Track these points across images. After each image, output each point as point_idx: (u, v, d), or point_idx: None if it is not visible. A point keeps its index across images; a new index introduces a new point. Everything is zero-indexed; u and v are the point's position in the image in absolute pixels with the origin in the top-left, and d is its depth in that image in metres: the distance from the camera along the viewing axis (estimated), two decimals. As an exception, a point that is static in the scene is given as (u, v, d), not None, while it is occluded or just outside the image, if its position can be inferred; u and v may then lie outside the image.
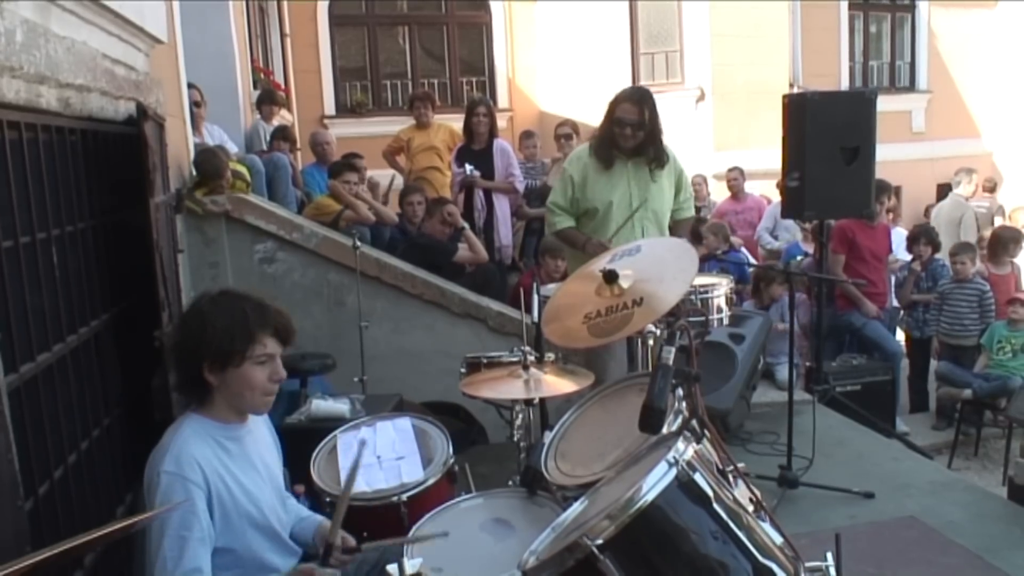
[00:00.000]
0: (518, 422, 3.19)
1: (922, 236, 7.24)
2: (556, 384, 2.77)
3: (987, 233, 8.08)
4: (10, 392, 2.16)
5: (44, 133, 2.62)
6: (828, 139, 5.19)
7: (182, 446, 2.05)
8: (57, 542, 2.34)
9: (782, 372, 5.93)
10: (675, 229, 4.46)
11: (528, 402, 3.00)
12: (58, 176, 2.72)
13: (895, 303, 7.19)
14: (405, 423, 3.01)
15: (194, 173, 4.97)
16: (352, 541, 2.21)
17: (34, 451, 2.34)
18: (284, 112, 8.63)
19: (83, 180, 2.96)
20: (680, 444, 1.66)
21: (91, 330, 2.91)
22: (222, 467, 2.10)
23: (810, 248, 7.23)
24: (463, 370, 3.55)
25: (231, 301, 2.16)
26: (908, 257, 7.35)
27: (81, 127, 2.97)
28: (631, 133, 4.14)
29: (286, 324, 2.21)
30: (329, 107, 11.96)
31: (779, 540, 1.78)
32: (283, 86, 9.93)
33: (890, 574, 3.50)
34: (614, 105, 4.21)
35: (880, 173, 5.57)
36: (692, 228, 5.00)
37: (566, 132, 7.11)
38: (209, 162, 4.93)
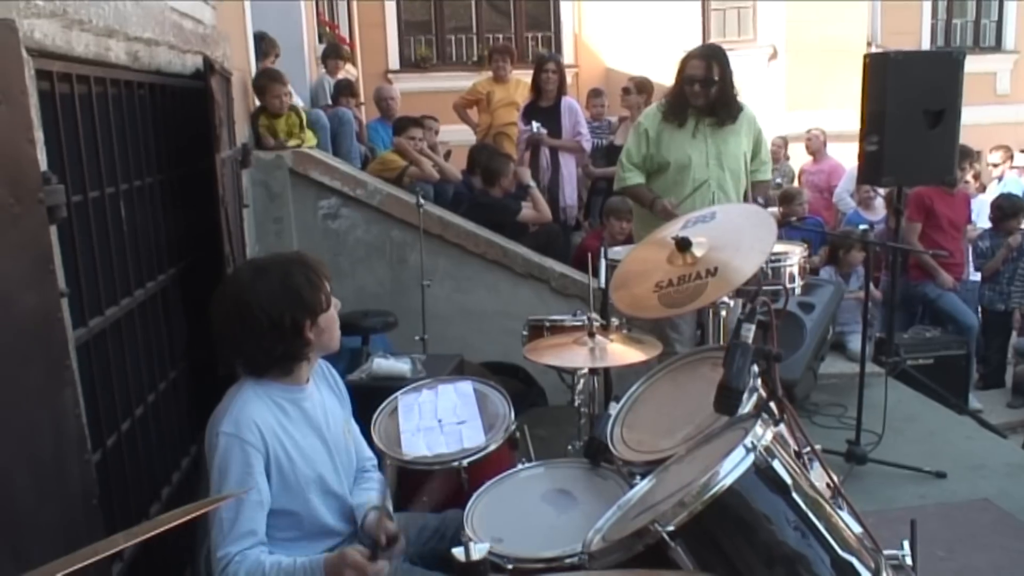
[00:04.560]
0: (579, 387, 3.13)
1: None
2: (623, 354, 2.69)
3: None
4: (79, 346, 2.17)
5: (113, 87, 2.60)
6: (910, 101, 4.95)
7: (241, 408, 2.05)
8: (125, 496, 2.39)
9: (853, 342, 5.75)
10: (753, 190, 4.36)
11: (593, 370, 2.94)
12: (126, 130, 2.71)
13: (972, 275, 6.88)
14: (467, 387, 2.96)
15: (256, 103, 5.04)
16: (393, 528, 2.09)
17: (102, 404, 2.37)
18: (348, 66, 8.57)
19: (151, 134, 2.96)
20: (758, 428, 1.58)
21: (158, 284, 2.93)
22: (280, 429, 2.09)
23: (872, 216, 6.94)
24: (525, 333, 3.50)
25: (274, 261, 2.17)
26: (989, 226, 7.00)
27: (149, 81, 2.95)
28: (700, 90, 4.12)
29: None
30: (393, 62, 11.90)
31: (858, 530, 1.70)
32: (348, 40, 9.87)
33: (962, 559, 3.37)
34: (684, 63, 4.22)
35: (960, 138, 5.31)
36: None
37: (629, 89, 6.94)
38: (262, 76, 5.05)
